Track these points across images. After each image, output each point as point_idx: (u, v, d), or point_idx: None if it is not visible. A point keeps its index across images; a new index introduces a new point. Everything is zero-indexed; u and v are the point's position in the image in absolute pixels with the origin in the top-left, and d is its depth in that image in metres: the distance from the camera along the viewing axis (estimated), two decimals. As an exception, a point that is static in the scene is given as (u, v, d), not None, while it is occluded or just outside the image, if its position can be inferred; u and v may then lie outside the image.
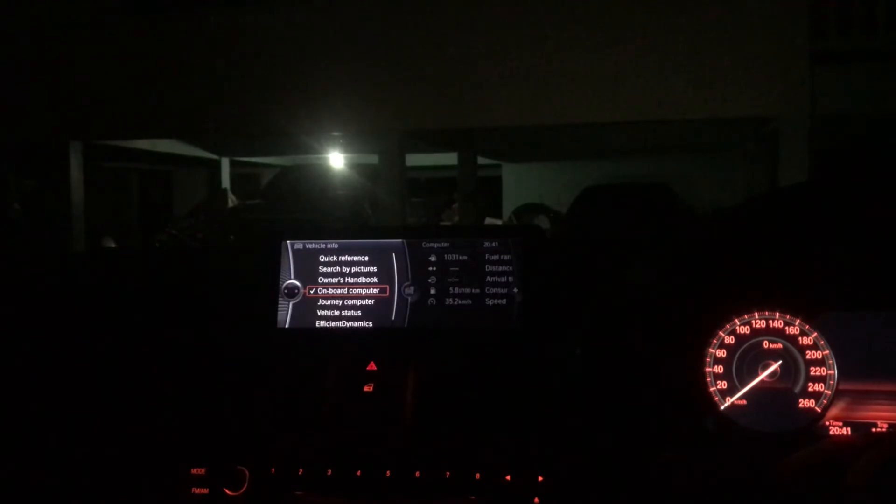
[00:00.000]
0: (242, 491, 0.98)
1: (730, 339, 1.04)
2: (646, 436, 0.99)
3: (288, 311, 1.11)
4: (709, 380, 1.03)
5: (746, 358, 1.03)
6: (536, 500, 0.93)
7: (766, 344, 1.03)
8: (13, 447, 1.13)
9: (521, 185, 12.47)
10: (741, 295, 1.03)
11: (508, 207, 12.12)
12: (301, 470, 0.98)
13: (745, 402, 1.02)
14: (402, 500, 0.95)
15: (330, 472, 0.97)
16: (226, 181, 11.48)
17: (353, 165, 11.19)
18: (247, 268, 1.16)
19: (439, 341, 1.08)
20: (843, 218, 1.00)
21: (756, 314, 1.03)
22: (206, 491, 0.99)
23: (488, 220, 10.44)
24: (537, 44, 6.30)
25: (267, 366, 1.08)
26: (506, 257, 1.08)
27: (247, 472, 0.99)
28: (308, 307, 1.11)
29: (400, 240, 1.11)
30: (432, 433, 1.00)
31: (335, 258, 1.12)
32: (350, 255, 1.12)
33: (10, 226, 8.69)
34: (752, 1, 5.90)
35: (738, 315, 1.04)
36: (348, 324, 1.10)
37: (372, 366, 1.05)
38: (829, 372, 1.00)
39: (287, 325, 1.11)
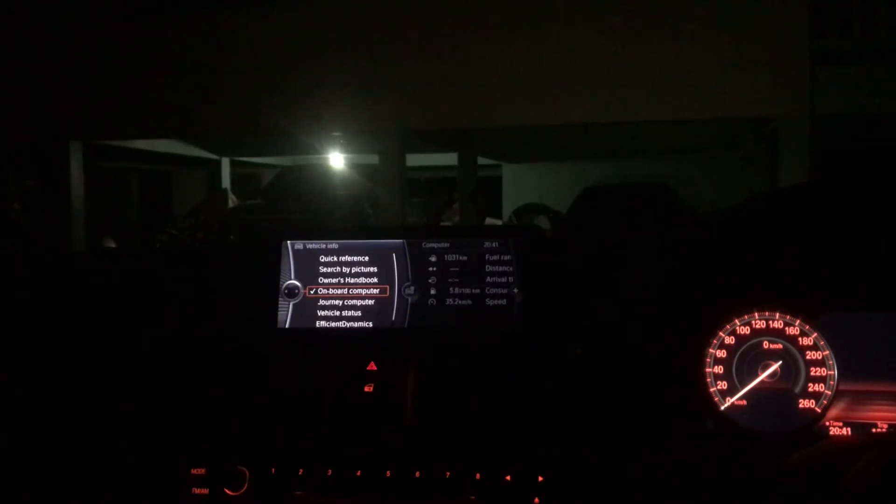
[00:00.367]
0: (242, 491, 0.98)
1: (730, 340, 1.04)
2: (646, 436, 0.99)
3: (288, 311, 1.11)
4: (709, 380, 1.03)
5: (746, 358, 1.03)
6: (536, 500, 0.93)
7: (766, 344, 1.03)
8: (13, 447, 1.13)
9: (521, 185, 12.46)
10: (741, 295, 1.03)
11: (508, 207, 12.12)
12: (301, 470, 0.98)
13: (745, 402, 1.02)
14: (402, 500, 0.95)
15: (330, 472, 0.97)
16: (226, 181, 11.48)
17: (353, 165, 11.19)
18: (247, 268, 1.16)
19: (439, 341, 1.08)
20: (843, 218, 1.00)
21: (756, 314, 1.03)
22: (206, 491, 0.99)
23: (488, 221, 10.43)
24: (537, 44, 6.30)
25: (267, 366, 1.08)
26: (506, 257, 1.08)
27: (247, 472, 0.99)
28: (308, 307, 1.11)
29: (400, 240, 1.11)
30: (432, 433, 1.00)
31: (335, 258, 1.12)
32: (350, 255, 1.12)
33: (10, 226, 8.68)
34: (752, 1, 5.90)
35: (739, 315, 1.04)
36: (348, 324, 1.10)
37: (372, 366, 1.06)
38: (829, 372, 1.00)
39: (287, 326, 1.11)
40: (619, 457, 0.97)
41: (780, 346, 1.02)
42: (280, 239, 1.13)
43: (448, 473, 0.95)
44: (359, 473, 0.97)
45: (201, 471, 1.00)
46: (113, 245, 8.30)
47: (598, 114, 6.38)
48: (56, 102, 7.13)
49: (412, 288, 1.10)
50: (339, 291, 1.11)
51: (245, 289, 1.13)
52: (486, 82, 6.42)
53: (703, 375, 1.03)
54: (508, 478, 0.95)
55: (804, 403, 1.01)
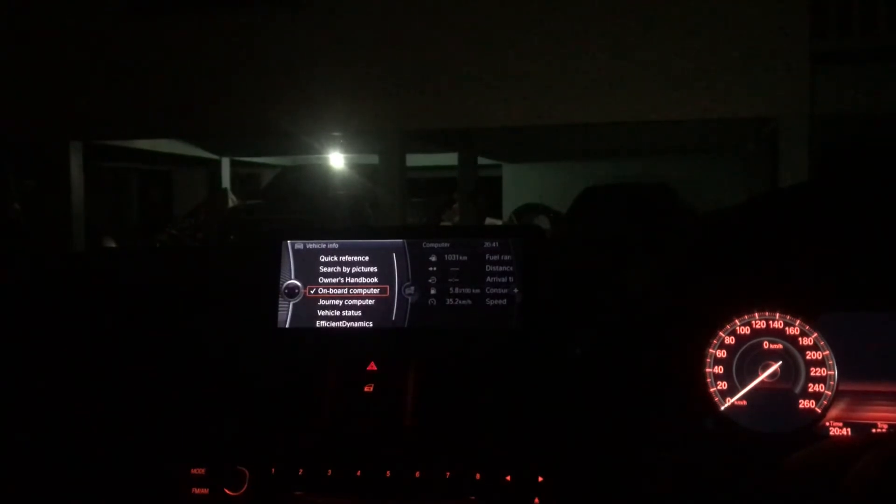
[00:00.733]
0: (242, 491, 0.98)
1: (730, 340, 1.04)
2: (646, 436, 0.99)
3: (288, 310, 1.11)
4: (709, 380, 1.03)
5: (747, 358, 1.03)
6: (536, 500, 0.93)
7: (766, 344, 1.03)
8: (13, 447, 1.13)
9: (521, 185, 12.46)
10: (741, 295, 1.03)
11: (508, 207, 12.11)
12: (301, 470, 0.98)
13: (745, 402, 1.02)
14: (402, 500, 0.95)
15: (330, 472, 0.97)
16: (226, 181, 11.47)
17: (353, 165, 11.19)
18: (247, 268, 1.16)
19: (439, 341, 1.08)
20: (844, 218, 1.00)
21: (756, 314, 1.03)
22: (206, 491, 0.99)
23: (488, 220, 10.43)
24: (537, 44, 6.30)
25: (267, 366, 1.08)
26: (506, 257, 1.08)
27: (247, 472, 0.99)
28: (308, 307, 1.11)
29: (400, 240, 1.11)
30: (432, 433, 1.00)
31: (335, 258, 1.12)
32: (350, 255, 1.12)
33: (10, 226, 8.68)
34: (752, 1, 5.89)
35: (739, 315, 1.04)
36: (349, 324, 1.10)
37: (372, 366, 1.06)
38: (830, 372, 1.00)
39: (287, 325, 1.11)
40: (619, 457, 0.97)
41: (780, 346, 1.02)
42: (280, 239, 1.13)
43: (448, 473, 0.95)
44: (359, 473, 0.97)
45: (201, 471, 1.00)
46: (113, 245, 8.30)
47: (598, 114, 6.37)
48: (56, 102, 7.13)
49: (412, 288, 1.10)
50: (340, 291, 1.11)
51: (245, 289, 1.13)
52: (486, 82, 6.42)
53: (703, 375, 1.03)
54: (508, 478, 0.95)
55: (804, 404, 1.01)
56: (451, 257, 1.10)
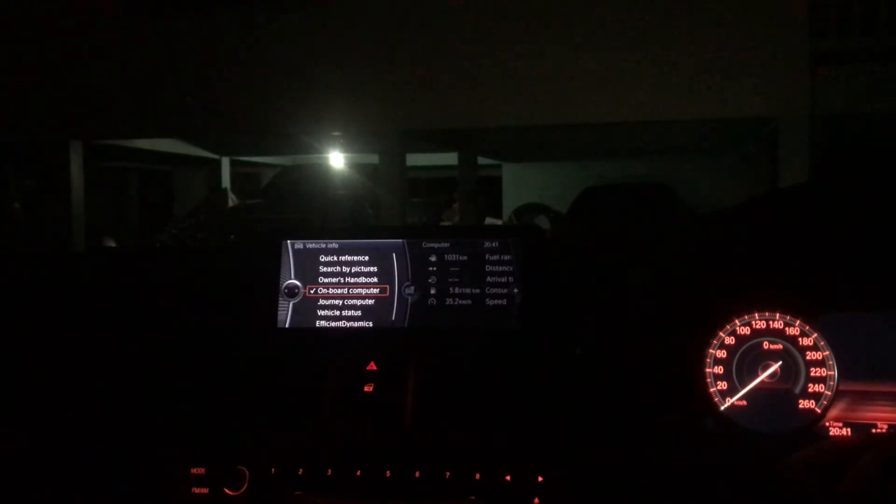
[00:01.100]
0: (242, 491, 0.98)
1: (730, 340, 1.04)
2: (646, 436, 0.99)
3: (288, 310, 1.11)
4: (709, 380, 1.03)
5: (747, 358, 1.03)
6: (536, 500, 0.93)
7: (766, 344, 1.03)
8: (14, 447, 1.13)
9: (521, 185, 12.46)
10: (741, 295, 1.03)
11: (508, 207, 12.11)
12: (301, 470, 0.98)
13: (745, 402, 1.02)
14: (402, 500, 0.95)
15: (330, 472, 0.97)
16: (226, 181, 11.47)
17: (353, 165, 11.19)
18: (247, 267, 1.16)
19: (439, 341, 1.08)
20: (843, 218, 1.00)
21: (756, 315, 1.03)
22: (206, 491, 0.99)
23: (488, 220, 10.43)
24: (537, 44, 6.30)
25: (267, 365, 1.08)
26: (506, 257, 1.08)
27: (247, 472, 0.99)
28: (308, 307, 1.11)
29: (400, 240, 1.11)
30: (432, 433, 1.00)
31: (335, 258, 1.12)
32: (350, 254, 1.12)
33: (10, 225, 8.68)
34: (752, 1, 5.89)
35: (739, 316, 1.04)
36: (348, 324, 1.10)
37: (372, 366, 1.05)
38: (830, 373, 1.00)
39: (287, 325, 1.11)
40: (619, 457, 0.97)
41: (780, 346, 1.02)
42: (280, 238, 1.13)
43: (448, 473, 0.95)
44: (359, 473, 0.97)
45: (201, 470, 1.00)
46: (113, 245, 8.29)
47: (598, 114, 6.37)
48: (56, 102, 7.12)
49: (412, 288, 1.10)
50: (339, 291, 1.11)
51: (245, 288, 1.13)
52: (486, 82, 6.42)
53: (703, 375, 1.03)
54: (508, 478, 0.95)
55: (804, 404, 1.01)
56: (450, 257, 1.10)
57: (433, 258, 1.10)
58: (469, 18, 6.44)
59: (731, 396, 1.02)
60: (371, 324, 1.10)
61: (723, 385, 1.03)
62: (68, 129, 7.34)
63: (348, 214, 9.04)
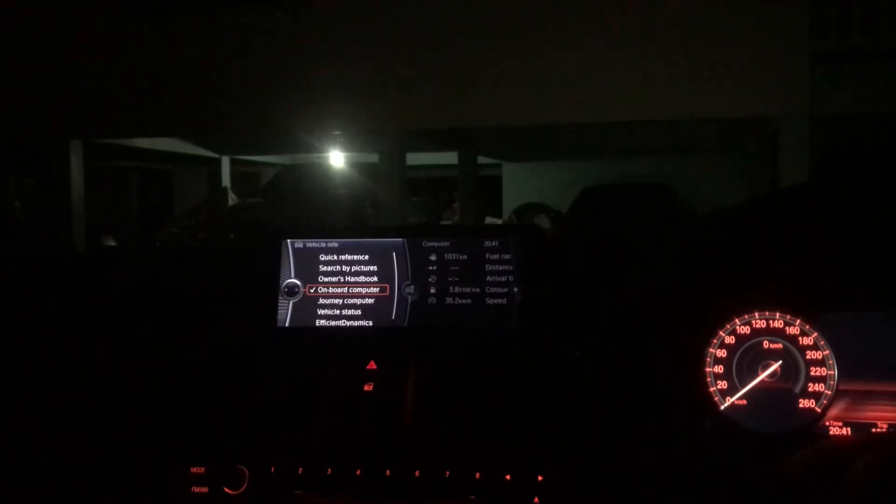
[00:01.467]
0: (242, 490, 0.98)
1: (730, 339, 1.04)
2: (646, 436, 0.99)
3: (288, 309, 1.11)
4: (709, 380, 1.03)
5: (747, 358, 1.03)
6: (536, 499, 0.93)
7: (766, 344, 1.03)
8: (13, 446, 1.13)
9: (521, 184, 12.47)
10: (741, 295, 1.03)
11: (509, 207, 12.12)
12: (301, 469, 0.98)
13: (745, 402, 1.02)
14: (402, 500, 0.95)
15: (330, 471, 0.97)
16: (226, 180, 11.48)
17: (353, 164, 11.20)
18: (247, 266, 1.16)
19: (439, 341, 1.07)
20: (844, 218, 1.00)
21: (756, 314, 1.03)
22: (205, 490, 0.99)
23: (488, 220, 10.44)
24: (537, 44, 6.30)
25: (267, 365, 1.08)
26: (506, 257, 1.08)
27: (246, 472, 0.99)
28: (308, 306, 1.11)
29: (400, 239, 1.11)
30: (432, 433, 1.00)
31: (335, 257, 1.12)
32: (350, 254, 1.12)
33: (11, 225, 8.68)
34: (752, 1, 5.89)
35: (739, 315, 1.04)
36: (348, 323, 1.10)
37: (372, 365, 1.05)
38: (830, 372, 1.00)
39: (287, 324, 1.11)
40: (618, 456, 0.97)
41: (780, 345, 1.02)
42: (280, 237, 1.13)
43: (448, 473, 0.95)
44: (358, 473, 0.97)
45: (201, 469, 1.00)
46: (113, 244, 8.30)
47: (598, 114, 6.38)
48: (56, 101, 7.12)
49: (412, 287, 1.10)
50: (339, 290, 1.11)
51: (245, 287, 1.13)
52: (486, 82, 6.42)
53: (703, 375, 1.03)
54: (508, 477, 0.95)
55: (804, 403, 1.01)
56: (450, 256, 1.10)
57: (433, 257, 1.10)
58: (469, 18, 6.44)
59: (731, 396, 1.02)
60: (371, 323, 1.10)
61: (723, 384, 1.03)
62: (68, 128, 7.34)
63: (348, 214, 9.05)
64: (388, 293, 1.10)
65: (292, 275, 1.12)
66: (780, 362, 1.02)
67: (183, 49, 6.91)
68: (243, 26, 6.83)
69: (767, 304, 1.03)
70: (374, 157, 8.13)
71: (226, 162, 11.49)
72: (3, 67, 7.13)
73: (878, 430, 0.99)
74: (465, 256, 1.09)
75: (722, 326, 1.04)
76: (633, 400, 1.01)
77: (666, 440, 0.99)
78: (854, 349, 1.00)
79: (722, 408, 1.02)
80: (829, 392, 1.00)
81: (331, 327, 1.10)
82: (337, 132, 7.98)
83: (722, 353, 1.03)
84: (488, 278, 1.08)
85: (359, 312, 1.10)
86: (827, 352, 1.01)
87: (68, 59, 7.05)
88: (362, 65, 6.58)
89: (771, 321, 1.03)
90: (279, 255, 1.12)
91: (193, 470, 1.00)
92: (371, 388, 1.04)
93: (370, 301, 1.10)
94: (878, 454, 0.71)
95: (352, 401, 1.03)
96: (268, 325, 1.11)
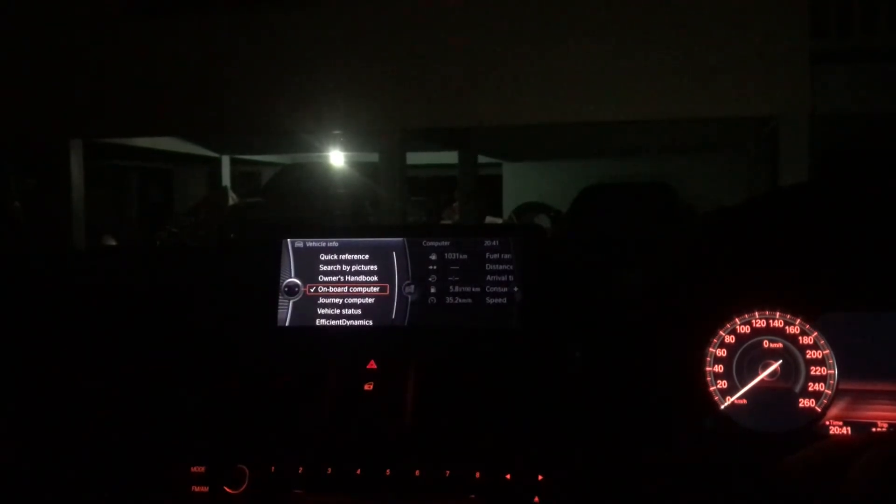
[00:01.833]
0: (242, 489, 0.98)
1: (730, 339, 1.04)
2: (646, 436, 0.99)
3: (288, 309, 1.11)
4: (709, 379, 1.03)
5: (747, 357, 1.03)
6: (536, 499, 0.93)
7: (766, 343, 1.03)
8: (13, 446, 1.13)
9: (521, 184, 12.45)
10: (741, 294, 1.03)
11: (509, 206, 12.10)
12: (301, 469, 0.98)
13: (745, 401, 1.02)
14: (402, 499, 0.95)
15: (330, 470, 0.97)
16: (226, 179, 11.47)
17: (353, 164, 11.19)
18: (247, 266, 1.16)
19: (439, 340, 1.08)
20: (844, 218, 1.00)
21: (756, 314, 1.03)
22: (205, 489, 0.99)
23: (489, 219, 10.42)
24: (537, 43, 6.30)
25: (267, 364, 1.08)
26: (506, 256, 1.08)
27: (247, 471, 0.99)
28: (308, 305, 1.11)
29: (400, 238, 1.11)
30: (432, 432, 1.00)
31: (336, 256, 1.12)
32: (350, 253, 1.12)
33: (11, 224, 8.68)
34: (752, 1, 5.89)
35: (739, 314, 1.04)
36: (349, 322, 1.10)
37: (372, 364, 1.05)
38: (830, 371, 1.00)
39: (287, 324, 1.11)
40: (618, 456, 0.97)
41: (780, 345, 1.03)
42: (280, 237, 1.13)
43: (448, 472, 0.95)
44: (359, 472, 0.97)
45: (201, 469, 1.00)
46: (113, 243, 8.29)
47: (598, 114, 6.37)
48: (56, 100, 7.12)
49: (412, 286, 1.10)
50: (340, 290, 1.11)
51: (245, 287, 1.13)
52: (486, 82, 6.42)
53: (703, 374, 1.03)
54: (508, 477, 0.95)
55: (804, 403, 1.01)
56: (451, 256, 1.10)
57: (433, 257, 1.10)
58: (469, 18, 6.44)
59: (731, 395, 1.02)
60: (371, 322, 1.10)
61: (723, 384, 1.03)
62: (68, 128, 7.34)
63: (348, 213, 9.04)
64: (388, 293, 1.10)
65: (292, 274, 1.12)
66: (781, 362, 1.02)
67: (183, 49, 6.91)
68: (243, 26, 6.83)
69: (767, 303, 1.03)
70: (374, 157, 8.12)
71: (226, 161, 11.48)
72: (3, 67, 7.13)
73: (878, 429, 0.99)
74: (465, 256, 1.09)
75: (722, 326, 1.04)
76: (633, 399, 1.01)
77: (666, 440, 0.99)
78: (854, 349, 1.00)
79: (722, 407, 1.02)
80: (829, 391, 1.00)
81: (331, 327, 1.10)
82: (337, 132, 7.97)
83: (722, 353, 1.03)
84: (488, 278, 1.08)
85: (359, 312, 1.10)
86: (827, 351, 1.01)
87: (68, 59, 7.05)
88: (362, 64, 6.58)
89: (771, 321, 1.03)
90: (279, 255, 1.12)
91: (193, 469, 1.00)
92: (371, 387, 1.04)
93: (370, 300, 1.10)
94: (878, 454, 0.71)
95: (352, 400, 1.03)
96: (268, 325, 1.11)
